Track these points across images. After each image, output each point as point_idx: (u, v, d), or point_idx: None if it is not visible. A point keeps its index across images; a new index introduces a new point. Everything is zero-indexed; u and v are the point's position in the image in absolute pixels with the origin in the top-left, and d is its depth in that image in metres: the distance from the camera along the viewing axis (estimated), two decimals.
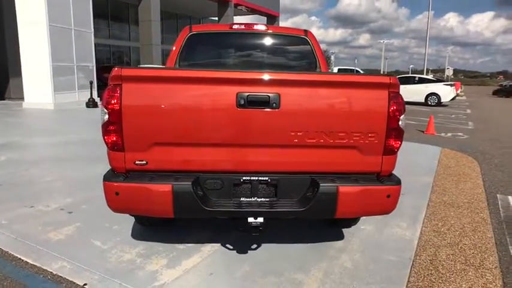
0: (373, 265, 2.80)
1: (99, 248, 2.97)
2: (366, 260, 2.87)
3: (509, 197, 4.57)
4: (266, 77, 2.24)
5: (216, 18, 33.89)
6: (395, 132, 2.35)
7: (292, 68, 4.05)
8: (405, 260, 2.89)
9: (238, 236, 3.18)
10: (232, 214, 2.36)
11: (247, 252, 2.96)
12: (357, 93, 2.31)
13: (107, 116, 2.25)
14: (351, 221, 3.26)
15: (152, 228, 3.29)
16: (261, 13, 30.67)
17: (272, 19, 32.05)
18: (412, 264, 2.84)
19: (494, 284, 2.62)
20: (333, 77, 2.45)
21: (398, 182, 2.40)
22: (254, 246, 3.05)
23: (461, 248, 3.14)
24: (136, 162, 2.31)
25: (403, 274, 2.70)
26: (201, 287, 2.48)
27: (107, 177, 2.31)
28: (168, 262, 2.77)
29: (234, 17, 27.32)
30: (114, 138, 2.27)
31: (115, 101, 2.21)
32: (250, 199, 2.40)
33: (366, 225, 3.46)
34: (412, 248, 3.10)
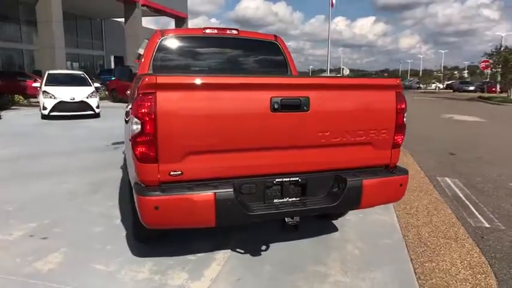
0: (376, 249, 3.09)
1: (104, 271, 2.71)
2: (368, 245, 3.14)
3: (446, 178, 5.35)
4: (297, 81, 2.35)
5: (121, 20, 32.19)
6: (401, 128, 2.65)
7: (265, 71, 4.16)
8: (399, 242, 3.25)
9: (242, 239, 3.20)
10: (272, 216, 2.40)
11: (260, 254, 3.00)
12: (372, 94, 2.54)
13: (139, 127, 2.11)
14: (340, 214, 3.53)
15: (150, 243, 3.11)
16: (169, 15, 30.00)
17: (181, 21, 31.55)
18: (406, 244, 3.20)
19: (474, 251, 3.11)
20: (353, 81, 2.67)
21: (406, 172, 2.71)
22: (263, 247, 3.11)
23: (434, 225, 3.62)
24: (171, 173, 2.20)
25: (404, 254, 3.04)
26: None
27: (142, 192, 2.15)
28: (189, 275, 2.67)
29: (142, 18, 26.25)
30: (147, 150, 2.14)
31: (149, 110, 2.09)
32: (282, 200, 2.46)
33: (350, 215, 3.76)
34: (397, 230, 3.48)
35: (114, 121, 11.11)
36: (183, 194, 2.16)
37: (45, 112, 11.01)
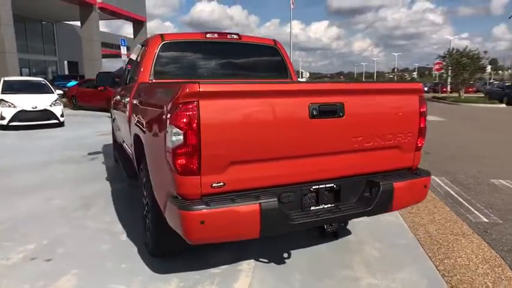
0: (393, 250, 3.15)
1: None
2: (384, 246, 3.20)
3: (433, 176, 5.58)
4: (333, 87, 2.35)
5: (75, 23, 30.79)
6: (423, 130, 2.73)
7: (267, 76, 4.14)
8: (412, 241, 3.34)
9: (261, 248, 3.14)
10: (313, 224, 2.38)
11: (285, 262, 2.96)
12: (399, 98, 2.60)
13: (180, 138, 2.00)
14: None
15: (166, 258, 2.96)
16: (127, 18, 29.10)
17: (139, 24, 30.74)
18: (420, 243, 3.29)
19: (483, 245, 3.27)
20: (383, 85, 2.69)
21: (429, 173, 2.79)
22: (285, 255, 3.06)
23: (439, 222, 3.77)
24: (213, 184, 2.11)
25: (420, 252, 3.12)
26: None
27: (186, 206, 2.04)
28: None
29: (100, 21, 25.28)
30: (189, 162, 2.04)
31: (192, 120, 1.99)
32: (318, 207, 2.44)
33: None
34: (406, 230, 3.58)
35: (80, 130, 10.59)
36: (229, 207, 2.07)
37: (4, 122, 10.23)
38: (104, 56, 27.45)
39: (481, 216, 3.97)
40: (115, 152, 6.37)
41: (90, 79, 18.95)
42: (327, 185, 2.44)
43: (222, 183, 2.13)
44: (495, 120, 15.34)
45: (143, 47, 3.88)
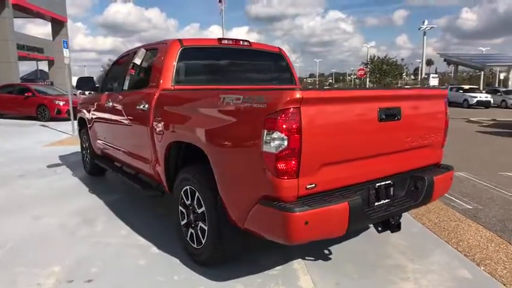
0: (414, 238, 3.51)
1: None
2: (405, 235, 3.48)
3: None
4: (395, 93, 2.62)
5: None
6: (447, 130, 3.12)
7: (274, 80, 4.28)
8: (423, 229, 3.75)
9: (300, 248, 3.26)
10: (382, 218, 2.58)
11: (330, 258, 3.13)
12: (433, 102, 2.95)
13: (285, 143, 2.07)
14: None
15: (218, 266, 2.93)
16: (46, 17, 26.70)
17: (59, 24, 28.39)
18: (430, 230, 3.71)
19: (480, 228, 3.79)
20: (425, 91, 3.02)
21: (452, 167, 3.18)
22: (326, 251, 3.24)
23: (434, 211, 4.25)
24: (308, 186, 2.21)
25: (436, 238, 3.53)
26: None
27: (289, 208, 2.10)
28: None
29: (14, 20, 22.79)
30: (290, 166, 2.11)
31: (295, 125, 2.08)
32: (379, 203, 2.65)
33: None
34: (413, 220, 3.98)
35: (15, 141, 9.58)
36: (327, 206, 2.18)
37: None
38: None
39: (464, 204, 4.57)
40: (86, 163, 5.94)
41: (10, 84, 17.05)
42: (386, 182, 2.68)
43: (314, 185, 2.23)
44: None
45: (155, 51, 3.75)
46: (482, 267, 2.96)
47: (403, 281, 2.77)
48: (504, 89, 26.37)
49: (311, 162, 2.18)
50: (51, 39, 29.64)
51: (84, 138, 5.89)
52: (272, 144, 2.10)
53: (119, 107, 4.27)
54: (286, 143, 2.08)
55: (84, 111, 5.66)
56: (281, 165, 2.10)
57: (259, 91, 2.35)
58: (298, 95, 2.07)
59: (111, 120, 4.47)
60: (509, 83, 29.06)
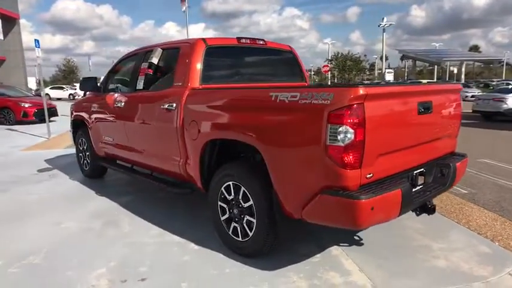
0: (428, 221, 3.79)
1: None
2: (419, 219, 3.73)
3: None
4: (428, 88, 2.88)
5: None
6: (460, 121, 3.44)
7: (288, 77, 4.45)
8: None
9: (331, 237, 3.47)
10: (422, 203, 2.84)
11: (363, 244, 3.36)
12: (453, 96, 3.25)
13: (351, 136, 2.25)
14: None
15: (260, 258, 3.06)
16: None
17: (11, 22, 26.79)
18: (439, 213, 4.05)
19: (481, 209, 4.19)
20: (447, 86, 3.29)
21: (466, 155, 3.51)
22: (355, 237, 3.47)
23: (436, 197, 4.61)
24: (367, 176, 2.40)
25: (447, 220, 3.88)
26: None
27: (357, 196, 2.28)
28: (338, 272, 2.84)
29: None
30: (355, 157, 2.30)
31: (361, 119, 2.26)
32: (416, 188, 2.91)
33: None
34: None
35: None
36: (386, 193, 2.39)
37: None
38: None
39: (459, 189, 4.99)
40: (84, 166, 5.80)
41: None
42: (420, 170, 2.94)
43: (371, 174, 2.43)
44: None
45: (176, 51, 3.79)
46: (497, 243, 3.32)
47: (435, 258, 3.05)
48: (461, 83, 28.24)
49: (371, 154, 2.38)
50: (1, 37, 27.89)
51: (82, 141, 5.75)
52: (338, 137, 2.27)
53: (134, 107, 4.25)
54: (352, 136, 2.26)
55: (83, 113, 5.53)
56: (347, 157, 2.28)
57: (318, 88, 2.49)
58: (361, 91, 2.26)
59: (123, 120, 4.44)
60: (462, 76, 31.23)
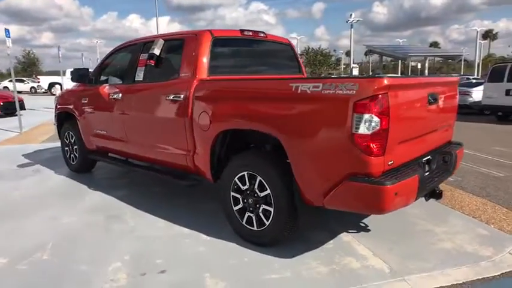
0: (426, 207, 4.00)
1: (284, 278, 2.68)
2: (417, 206, 3.91)
3: None
4: (436, 80, 3.02)
5: None
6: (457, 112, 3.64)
7: (287, 69, 4.50)
8: (432, 200, 4.28)
9: (337, 225, 3.58)
10: (431, 188, 2.98)
11: (370, 230, 3.49)
12: (453, 87, 3.43)
13: (378, 125, 2.34)
14: None
15: (274, 246, 3.11)
16: None
17: None
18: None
19: (470, 195, 4.45)
20: (449, 79, 3.45)
21: (462, 144, 3.70)
22: (362, 224, 3.60)
23: None
24: (389, 162, 2.50)
25: (443, 206, 4.07)
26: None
27: (381, 182, 2.37)
28: (353, 257, 2.95)
29: None
30: (380, 144, 2.39)
31: (385, 108, 2.36)
32: (425, 175, 3.05)
33: None
34: None
35: None
36: (407, 179, 2.50)
37: None
38: None
39: None
40: (71, 161, 5.60)
41: None
42: (427, 158, 3.08)
43: (392, 161, 2.54)
44: None
45: (180, 42, 3.74)
46: (492, 225, 3.55)
47: (441, 241, 3.23)
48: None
49: (392, 142, 2.48)
50: None
51: (69, 134, 5.53)
52: (365, 126, 2.35)
53: (134, 98, 4.16)
54: (378, 124, 2.34)
55: (70, 105, 5.32)
56: (373, 145, 2.37)
57: (341, 79, 2.56)
58: (386, 81, 2.35)
59: (120, 112, 4.32)
60: (426, 71, 32.55)
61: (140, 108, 4.10)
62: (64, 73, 19.44)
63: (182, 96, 3.49)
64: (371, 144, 2.37)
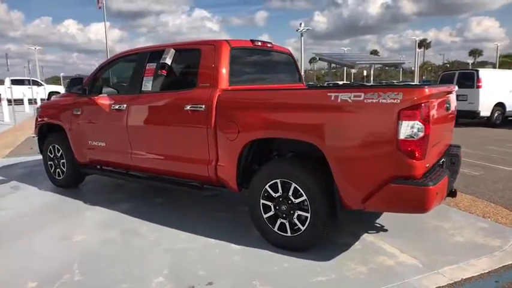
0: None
1: (331, 280, 2.78)
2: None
3: None
4: (449, 89, 3.30)
5: None
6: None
7: (289, 78, 4.66)
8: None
9: (356, 227, 3.76)
10: (451, 187, 3.25)
11: (387, 230, 3.71)
12: (454, 95, 3.77)
13: (422, 130, 2.55)
14: None
15: (304, 250, 3.20)
16: None
17: None
18: None
19: (459, 192, 4.85)
20: (454, 88, 3.75)
21: (460, 146, 4.07)
22: (378, 224, 3.81)
23: None
24: (427, 165, 2.73)
25: (444, 205, 4.42)
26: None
27: (426, 183, 2.58)
28: (386, 256, 3.13)
29: None
30: (423, 149, 2.60)
31: (428, 115, 2.58)
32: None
33: None
34: None
35: None
36: (442, 179, 2.74)
37: None
38: None
39: None
40: (56, 176, 5.27)
41: None
42: (442, 160, 3.38)
43: (428, 164, 2.77)
44: None
45: (196, 52, 3.73)
46: (489, 219, 3.94)
47: (451, 236, 3.53)
48: (370, 84, 31.56)
49: (430, 146, 2.71)
50: None
51: (54, 148, 5.20)
52: (411, 132, 2.55)
53: (142, 109, 4.06)
54: (423, 131, 2.55)
55: (58, 117, 5.03)
56: (418, 149, 2.57)
57: (383, 88, 2.73)
58: (427, 91, 2.57)
59: (125, 123, 4.18)
60: (371, 78, 34.66)
61: (149, 120, 4.01)
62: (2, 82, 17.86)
63: (204, 106, 3.49)
64: (416, 149, 2.57)
